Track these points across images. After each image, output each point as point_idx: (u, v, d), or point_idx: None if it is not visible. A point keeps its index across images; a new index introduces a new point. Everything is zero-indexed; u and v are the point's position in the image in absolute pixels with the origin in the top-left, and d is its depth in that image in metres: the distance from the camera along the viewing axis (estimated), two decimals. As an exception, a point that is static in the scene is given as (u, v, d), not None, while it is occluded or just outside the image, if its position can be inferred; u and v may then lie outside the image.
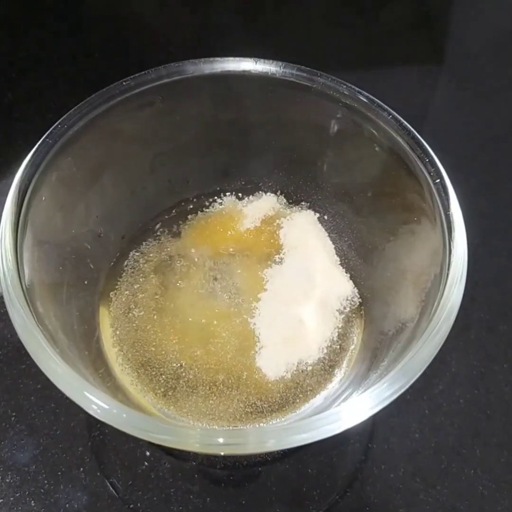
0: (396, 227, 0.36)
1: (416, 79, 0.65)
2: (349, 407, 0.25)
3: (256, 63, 0.35)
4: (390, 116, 0.33)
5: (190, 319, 0.38)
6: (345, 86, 0.34)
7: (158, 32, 0.66)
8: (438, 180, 0.31)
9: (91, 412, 0.24)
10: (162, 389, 0.36)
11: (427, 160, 0.32)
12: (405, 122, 0.33)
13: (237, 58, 0.36)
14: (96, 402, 0.24)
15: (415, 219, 0.34)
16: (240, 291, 0.39)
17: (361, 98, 0.34)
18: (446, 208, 0.30)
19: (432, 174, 0.31)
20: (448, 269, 0.29)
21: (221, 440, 0.24)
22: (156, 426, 0.24)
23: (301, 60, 0.36)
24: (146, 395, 0.36)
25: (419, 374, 0.26)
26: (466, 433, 0.41)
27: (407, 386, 0.26)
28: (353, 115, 0.35)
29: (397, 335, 0.32)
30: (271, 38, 0.66)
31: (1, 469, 0.39)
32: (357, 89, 0.34)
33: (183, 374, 0.36)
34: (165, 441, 0.24)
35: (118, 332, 0.38)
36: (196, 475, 0.39)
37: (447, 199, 0.30)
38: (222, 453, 0.24)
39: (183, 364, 0.37)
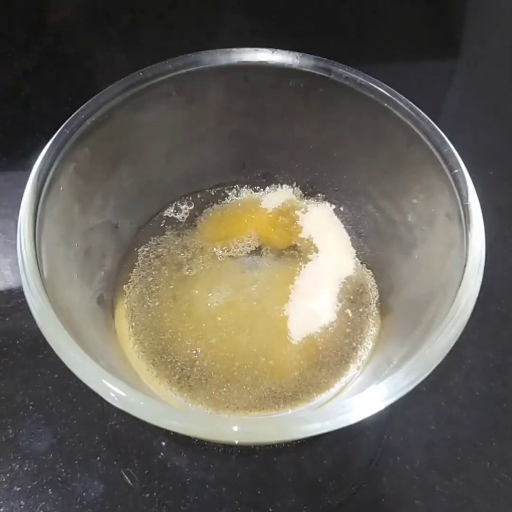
0: (413, 218, 0.36)
1: (432, 71, 0.64)
2: (364, 397, 0.25)
3: (273, 53, 0.35)
4: (408, 107, 0.33)
5: (205, 308, 0.38)
6: (362, 77, 0.34)
7: (173, 24, 0.66)
8: (456, 171, 0.31)
9: (109, 400, 0.25)
10: (177, 376, 0.36)
11: (445, 150, 0.31)
12: (423, 113, 0.33)
13: (254, 49, 0.35)
14: (114, 390, 0.25)
15: (433, 210, 0.33)
16: (256, 282, 0.39)
17: (379, 88, 0.34)
18: (464, 198, 0.30)
19: (450, 164, 0.31)
20: (466, 260, 0.28)
21: (235, 428, 0.24)
22: (172, 413, 0.24)
23: (315, 53, 0.36)
24: (162, 383, 0.36)
25: (435, 365, 0.26)
26: (482, 426, 0.41)
27: (423, 378, 0.26)
28: (370, 105, 0.34)
29: (413, 327, 0.32)
30: (286, 29, 0.66)
31: (19, 457, 0.39)
32: (374, 79, 0.34)
33: (197, 362, 0.37)
34: (180, 428, 0.24)
35: (133, 323, 0.38)
36: (211, 465, 0.39)
37: (466, 189, 0.30)
38: (236, 442, 0.25)
39: (199, 351, 0.37)
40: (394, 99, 0.34)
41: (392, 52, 0.66)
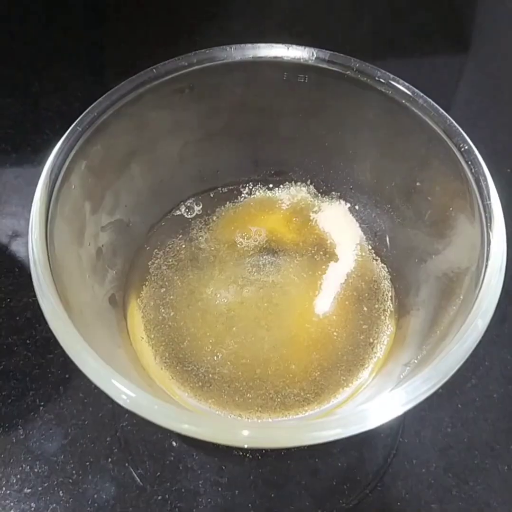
0: (431, 217, 0.35)
1: (445, 67, 0.64)
2: (382, 402, 0.25)
3: (288, 49, 0.35)
4: (426, 104, 0.33)
5: (222, 313, 0.38)
6: (379, 73, 0.33)
7: (186, 19, 0.66)
8: (476, 169, 0.30)
9: (120, 402, 0.24)
10: (200, 383, 0.36)
11: (465, 148, 0.31)
12: (442, 110, 0.32)
13: (268, 44, 0.35)
14: (125, 392, 0.24)
15: (451, 209, 0.33)
16: (271, 282, 0.39)
17: (397, 85, 0.33)
18: (485, 198, 0.29)
19: (470, 163, 0.30)
20: (487, 261, 0.28)
21: (247, 432, 0.23)
22: (184, 416, 0.24)
23: (328, 48, 0.35)
24: (182, 389, 0.36)
25: (455, 370, 0.25)
26: (499, 429, 0.40)
27: (442, 382, 0.25)
28: (387, 102, 0.34)
29: (432, 329, 0.31)
30: (300, 26, 0.66)
31: (30, 459, 0.39)
32: (392, 75, 0.33)
33: (218, 368, 0.36)
34: (192, 432, 0.23)
35: (151, 328, 0.38)
36: (224, 467, 0.39)
37: (486, 189, 0.29)
38: (245, 446, 0.24)
39: (220, 357, 0.36)
40: (412, 95, 0.33)
41: (404, 47, 0.65)
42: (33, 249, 0.27)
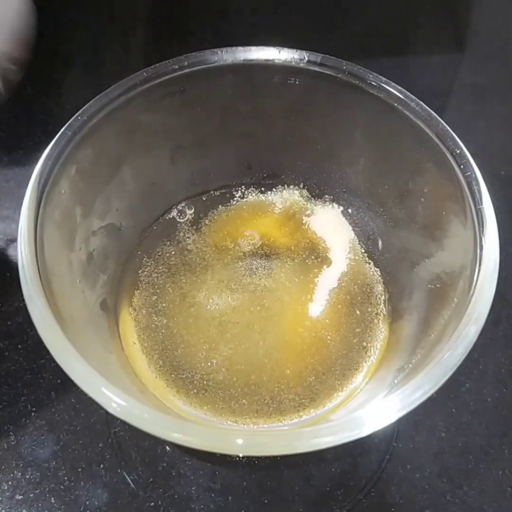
0: (424, 221, 0.35)
1: (439, 67, 0.63)
2: (376, 409, 0.24)
3: (279, 52, 0.34)
4: (418, 107, 0.32)
5: (215, 318, 0.38)
6: (371, 76, 0.33)
7: (177, 22, 0.66)
8: (468, 173, 0.30)
9: (110, 411, 0.24)
10: (195, 390, 0.35)
11: (457, 151, 0.30)
12: (434, 113, 0.32)
13: (260, 47, 0.35)
14: (115, 400, 0.24)
15: (444, 212, 0.33)
16: (264, 286, 0.39)
17: (388, 88, 0.33)
18: (478, 202, 0.29)
19: (462, 166, 0.30)
20: (480, 266, 0.28)
21: (240, 441, 0.23)
22: (176, 425, 0.23)
23: (321, 47, 0.35)
24: (177, 397, 0.35)
25: (447, 377, 0.25)
26: (494, 433, 0.40)
27: (436, 388, 0.25)
28: (379, 105, 0.33)
29: (425, 333, 0.31)
30: (293, 27, 0.65)
31: (21, 465, 0.39)
32: (383, 78, 0.33)
33: (212, 375, 0.36)
34: (184, 441, 0.23)
35: (144, 337, 0.37)
36: (217, 473, 0.38)
37: (479, 192, 0.29)
38: (240, 455, 0.24)
39: (214, 363, 0.36)
40: (405, 99, 0.33)
41: (398, 47, 0.65)
42: (22, 254, 0.27)
